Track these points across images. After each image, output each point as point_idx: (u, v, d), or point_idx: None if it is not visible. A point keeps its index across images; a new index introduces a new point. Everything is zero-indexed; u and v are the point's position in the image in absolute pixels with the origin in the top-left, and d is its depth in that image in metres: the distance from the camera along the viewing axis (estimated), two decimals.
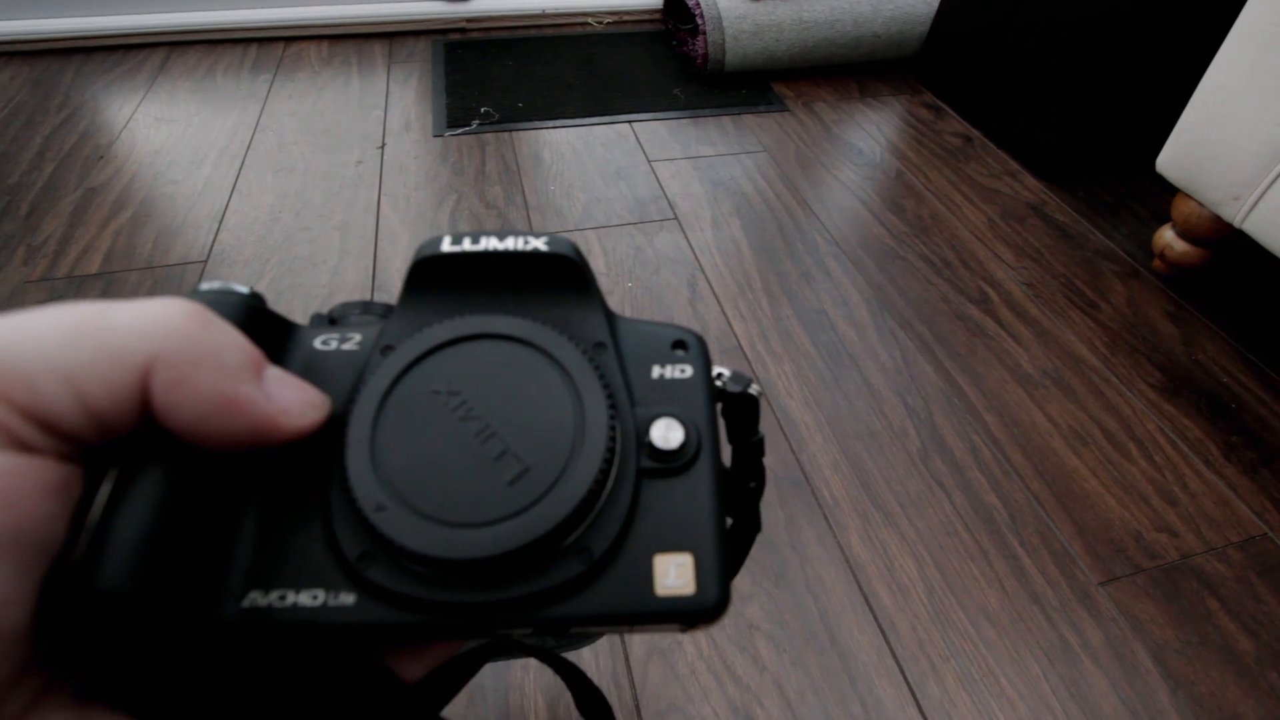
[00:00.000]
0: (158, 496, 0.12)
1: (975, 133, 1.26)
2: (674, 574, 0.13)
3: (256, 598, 0.13)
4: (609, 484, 0.14)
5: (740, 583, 0.61)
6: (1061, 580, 0.63)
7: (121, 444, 0.12)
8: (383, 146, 1.11)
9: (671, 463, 0.14)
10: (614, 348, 0.15)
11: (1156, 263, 0.98)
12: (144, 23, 1.32)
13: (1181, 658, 0.58)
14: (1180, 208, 0.92)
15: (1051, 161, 1.15)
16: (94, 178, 1.01)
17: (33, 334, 0.11)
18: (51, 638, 0.11)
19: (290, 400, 0.13)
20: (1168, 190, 1.04)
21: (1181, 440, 0.76)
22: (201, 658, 0.12)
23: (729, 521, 0.16)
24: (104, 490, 0.12)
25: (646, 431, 0.14)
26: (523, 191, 1.04)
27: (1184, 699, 0.56)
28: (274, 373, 0.13)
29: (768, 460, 0.70)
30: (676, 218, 1.01)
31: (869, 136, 1.23)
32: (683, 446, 0.14)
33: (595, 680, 0.54)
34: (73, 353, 0.11)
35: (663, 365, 0.16)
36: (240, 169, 1.04)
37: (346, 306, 0.17)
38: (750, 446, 0.19)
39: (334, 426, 0.14)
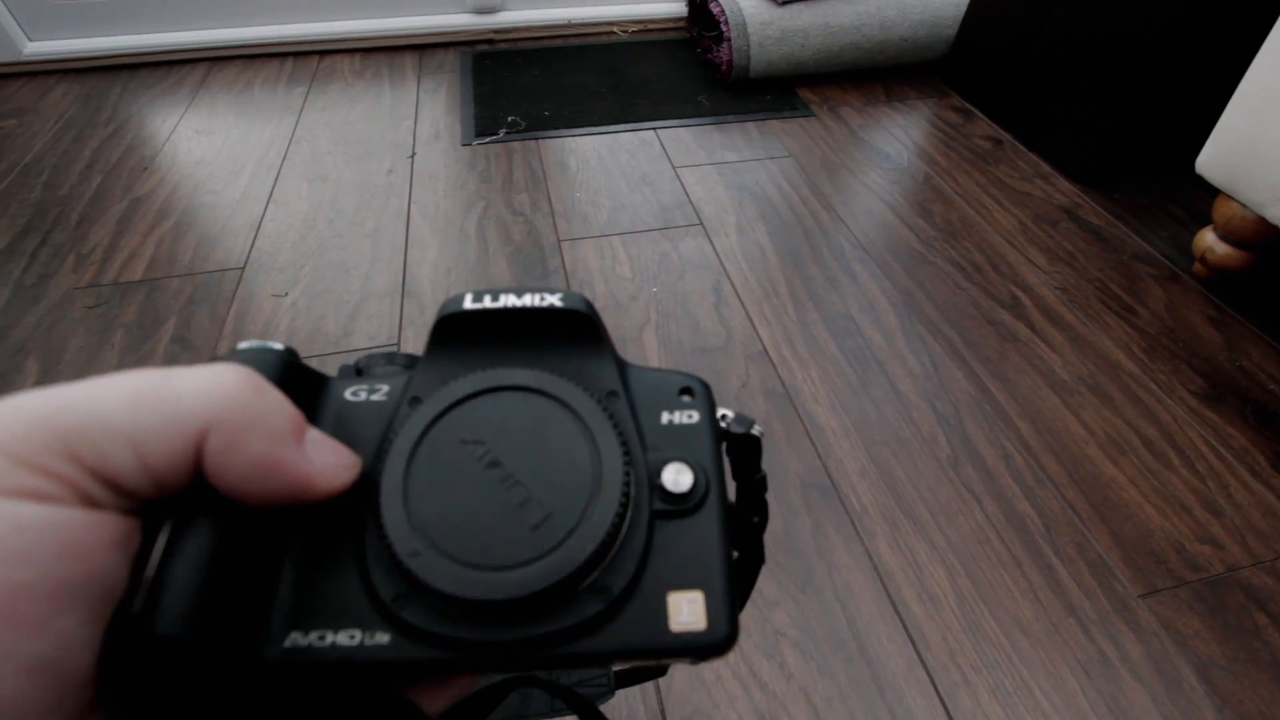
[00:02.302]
0: (208, 548, 0.13)
1: (1005, 135, 1.24)
2: (686, 611, 0.14)
3: (297, 638, 0.14)
4: (625, 526, 0.15)
5: (767, 589, 0.60)
6: (1099, 592, 0.61)
7: (175, 499, 0.13)
8: (413, 156, 1.13)
9: (682, 504, 0.15)
10: (625, 396, 0.16)
11: (1197, 266, 0.95)
12: (186, 40, 1.37)
13: (1228, 675, 0.56)
14: (1222, 210, 0.89)
15: (1084, 164, 1.13)
16: (139, 188, 1.05)
17: (101, 399, 0.12)
18: (112, 681, 0.12)
19: (326, 463, 0.14)
20: (1208, 192, 1.02)
21: (1225, 449, 0.74)
22: (246, 696, 0.13)
23: (735, 555, 0.16)
24: (160, 542, 0.13)
25: (658, 475, 0.15)
26: (549, 198, 1.05)
27: (1230, 717, 0.54)
28: (313, 435, 0.14)
29: (793, 465, 0.69)
30: (701, 223, 1.01)
31: (896, 141, 1.22)
32: (692, 489, 0.15)
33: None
34: (138, 418, 0.12)
35: (671, 411, 0.16)
36: (276, 178, 1.07)
37: (372, 359, 0.18)
38: (753, 484, 0.20)
39: (365, 477, 0.15)
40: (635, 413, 0.16)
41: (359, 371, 0.17)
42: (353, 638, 0.14)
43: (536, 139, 1.18)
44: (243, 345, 0.15)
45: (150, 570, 0.12)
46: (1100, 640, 0.58)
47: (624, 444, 0.15)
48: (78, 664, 0.11)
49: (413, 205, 1.03)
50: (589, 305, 0.17)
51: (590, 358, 0.17)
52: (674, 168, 1.12)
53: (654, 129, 1.22)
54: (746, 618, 0.58)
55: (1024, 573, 0.62)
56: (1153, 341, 0.86)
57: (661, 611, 0.14)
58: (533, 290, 0.17)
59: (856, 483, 0.69)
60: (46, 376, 0.76)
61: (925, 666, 0.56)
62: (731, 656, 0.56)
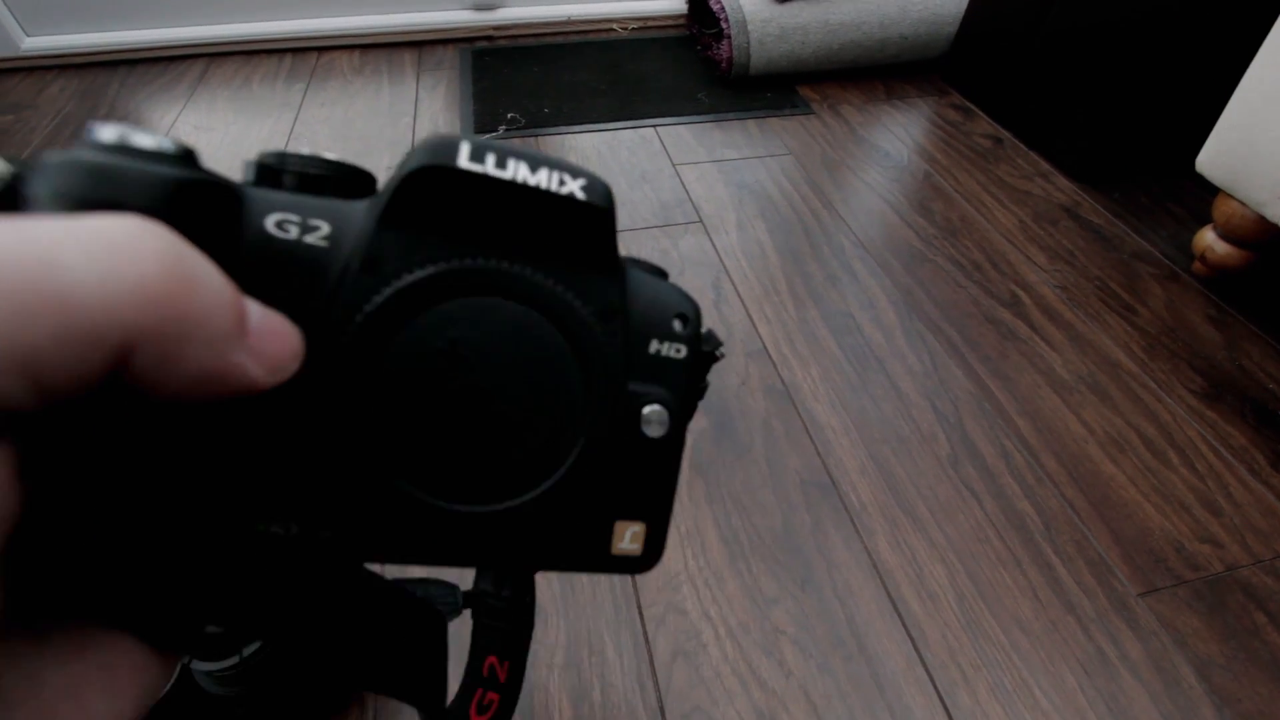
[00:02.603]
0: (133, 450, 0.11)
1: (1005, 134, 1.24)
2: (628, 539, 0.15)
3: (242, 527, 0.13)
4: (593, 462, 0.14)
5: (766, 586, 0.60)
6: (1098, 590, 0.61)
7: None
8: None
9: (648, 444, 0.15)
10: (623, 315, 0.15)
11: (1196, 265, 0.95)
12: (184, 35, 1.37)
13: (1227, 673, 0.56)
14: (1222, 208, 0.89)
15: (1085, 162, 1.13)
16: None
17: None
18: (21, 583, 0.11)
19: (274, 354, 0.11)
20: (1208, 191, 1.02)
21: (1225, 448, 0.74)
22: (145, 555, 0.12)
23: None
24: (71, 452, 0.11)
25: (637, 412, 0.15)
26: None
27: (1230, 716, 0.54)
28: (255, 319, 0.11)
29: (793, 463, 0.69)
30: (701, 220, 1.01)
31: (896, 139, 1.22)
32: (664, 435, 0.15)
33: (619, 682, 0.54)
34: (27, 334, 0.08)
35: (661, 341, 0.15)
36: None
37: (285, 158, 0.13)
38: (697, 392, 0.19)
39: (311, 353, 0.12)
40: (628, 336, 0.15)
41: (275, 175, 0.13)
42: (288, 529, 0.13)
43: (536, 136, 1.18)
44: (105, 137, 0.11)
45: (67, 485, 0.11)
46: (1099, 639, 0.58)
47: (608, 375, 0.14)
48: None
49: None
50: (611, 201, 0.14)
51: (596, 266, 0.14)
52: (674, 165, 1.12)
53: (654, 126, 1.21)
54: (746, 615, 0.58)
55: (1023, 571, 0.62)
56: (1152, 340, 0.86)
57: (605, 535, 0.15)
58: (549, 165, 0.13)
59: (856, 480, 0.69)
60: None
61: (924, 665, 0.56)
62: (730, 653, 0.56)
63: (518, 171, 0.13)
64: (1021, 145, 1.21)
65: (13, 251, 0.09)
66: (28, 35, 1.33)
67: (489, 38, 1.49)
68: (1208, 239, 0.92)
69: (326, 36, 1.42)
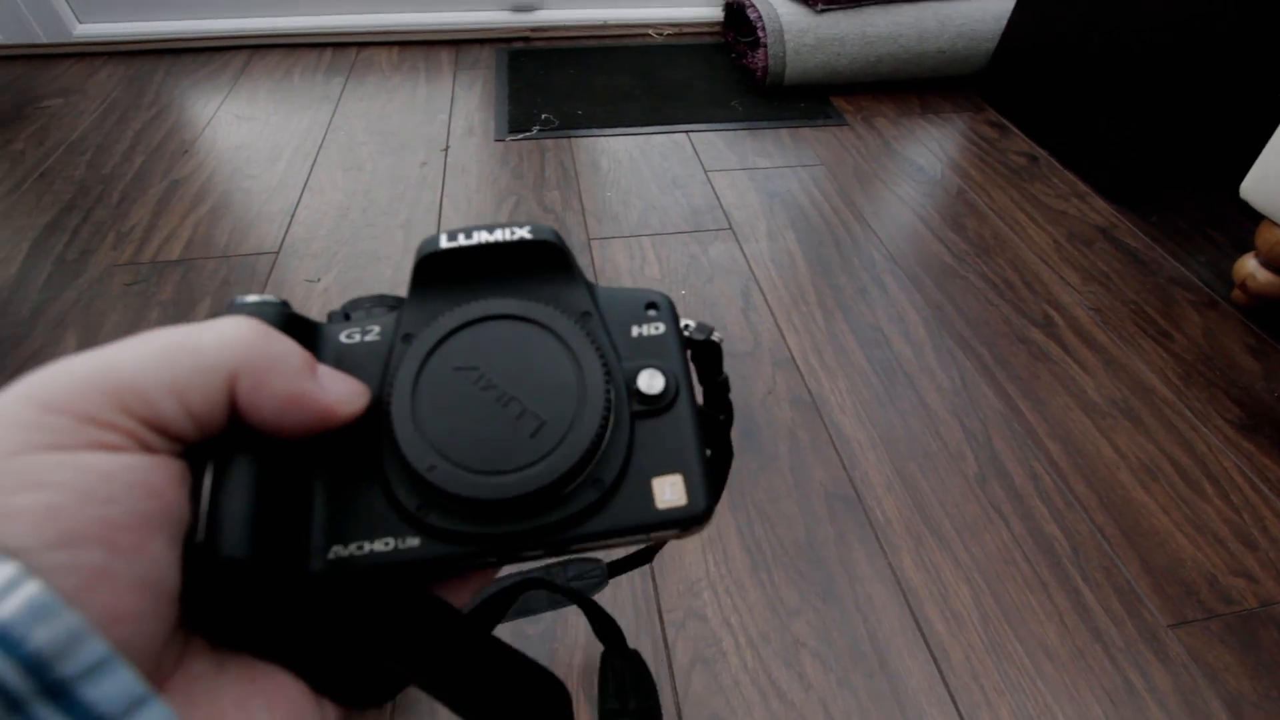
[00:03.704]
0: (252, 478, 0.14)
1: (1041, 152, 1.23)
2: (669, 491, 0.17)
3: (339, 550, 0.16)
4: (610, 428, 0.17)
5: (787, 597, 0.60)
6: (1127, 619, 0.60)
7: (213, 441, 0.15)
8: (446, 149, 1.14)
9: (656, 404, 0.18)
10: (598, 315, 0.18)
11: (1237, 293, 0.93)
12: (229, 27, 1.40)
13: (1259, 711, 0.55)
14: (1266, 236, 0.87)
15: (1123, 184, 1.11)
16: (178, 170, 1.07)
17: (140, 356, 0.13)
18: (190, 599, 0.14)
19: (341, 392, 0.16)
20: (1250, 217, 1.00)
21: (1261, 481, 0.72)
22: (298, 607, 0.15)
23: (708, 452, 0.19)
24: (207, 480, 0.14)
25: (634, 381, 0.18)
26: (580, 197, 1.05)
27: None
28: (324, 370, 0.16)
29: (818, 474, 0.69)
30: (731, 228, 1.01)
31: (930, 153, 1.21)
32: (664, 391, 0.18)
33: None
34: (175, 370, 0.13)
35: (640, 325, 0.19)
36: (313, 167, 1.09)
37: (356, 302, 0.19)
38: (717, 385, 0.22)
39: (373, 407, 0.17)
40: (608, 329, 0.18)
41: (347, 316, 0.19)
42: (387, 544, 0.16)
43: (569, 137, 1.18)
44: (246, 299, 0.17)
45: (204, 505, 0.14)
46: (1127, 668, 0.57)
47: (602, 357, 0.17)
48: (168, 583, 0.13)
49: (445, 198, 1.04)
50: (557, 235, 0.18)
51: (562, 284, 0.18)
52: (705, 171, 1.12)
53: (686, 132, 1.22)
54: (766, 625, 0.58)
55: (1050, 596, 0.61)
56: (1189, 367, 0.84)
57: (648, 494, 0.17)
58: (503, 226, 0.18)
59: (881, 495, 0.68)
60: (85, 350, 0.78)
61: (946, 685, 0.55)
62: (750, 662, 0.55)
63: (480, 236, 0.18)
64: (1057, 164, 1.20)
65: (169, 331, 0.14)
66: (80, 22, 1.36)
67: (525, 39, 1.51)
68: (1249, 267, 0.90)
69: (366, 32, 1.44)
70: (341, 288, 0.88)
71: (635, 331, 0.18)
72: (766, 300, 0.89)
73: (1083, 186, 1.15)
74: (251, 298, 0.17)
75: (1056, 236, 1.04)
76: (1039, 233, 1.04)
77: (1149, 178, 1.10)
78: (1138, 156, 1.08)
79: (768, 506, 0.66)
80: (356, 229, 0.97)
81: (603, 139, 1.19)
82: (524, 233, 0.18)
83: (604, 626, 0.28)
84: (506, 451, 0.16)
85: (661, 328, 0.19)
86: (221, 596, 0.14)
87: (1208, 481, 0.72)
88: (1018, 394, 0.79)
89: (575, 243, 0.97)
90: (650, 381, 0.18)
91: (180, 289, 0.86)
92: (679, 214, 1.03)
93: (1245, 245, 1.00)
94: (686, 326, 0.20)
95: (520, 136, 1.18)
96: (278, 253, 0.92)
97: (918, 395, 0.78)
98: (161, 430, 0.13)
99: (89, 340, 0.79)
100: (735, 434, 0.73)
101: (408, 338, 0.17)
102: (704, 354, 0.21)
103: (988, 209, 1.09)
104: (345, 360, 0.17)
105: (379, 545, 0.16)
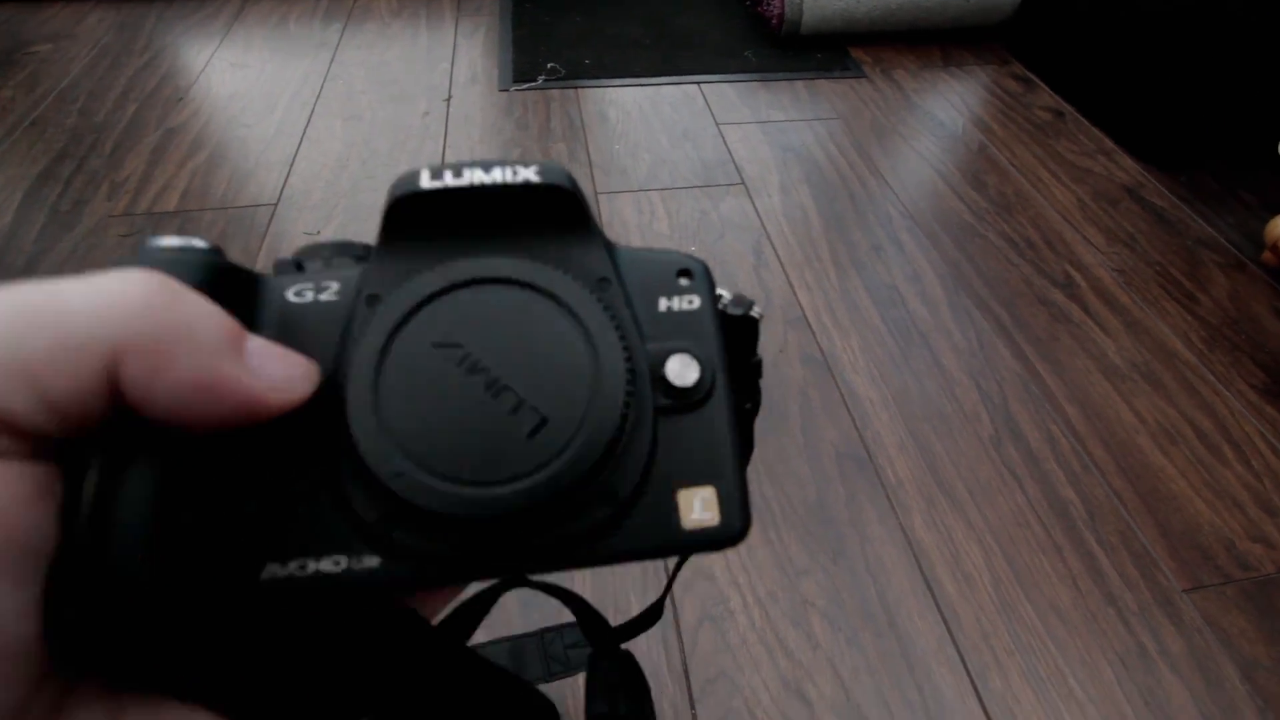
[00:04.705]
0: (152, 482, 0.11)
1: (1068, 108, 1.18)
2: (699, 507, 0.14)
3: (275, 570, 0.12)
4: (628, 427, 0.13)
5: (796, 557, 0.59)
6: (1141, 583, 0.59)
7: (100, 432, 0.11)
8: (449, 99, 1.10)
9: (688, 399, 0.14)
10: (618, 281, 0.15)
11: (1266, 255, 0.90)
12: None
13: (1273, 676, 0.54)
14: None
15: (1152, 142, 1.06)
16: (173, 118, 1.03)
17: None
18: (65, 640, 0.11)
19: (278, 374, 0.12)
20: None
21: None
22: (224, 630, 0.12)
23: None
24: (90, 481, 0.11)
25: (661, 369, 0.14)
26: (587, 149, 1.02)
27: (1273, 719, 0.52)
28: (256, 344, 0.12)
29: (829, 434, 0.67)
30: (744, 183, 0.97)
31: (951, 107, 1.16)
32: (698, 383, 0.14)
33: (644, 644, 0.53)
34: (26, 346, 0.10)
35: (669, 297, 0.15)
36: (311, 116, 1.05)
37: (312, 250, 0.15)
38: (749, 368, 0.18)
39: (326, 389, 0.13)
40: (630, 301, 0.15)
41: (299, 266, 0.15)
42: (338, 564, 0.13)
43: (576, 88, 1.14)
44: (160, 242, 0.13)
45: (84, 517, 0.11)
46: (1140, 632, 0.56)
47: (622, 337, 0.13)
48: (16, 636, 0.10)
49: (448, 149, 1.00)
50: (571, 179, 0.14)
51: (576, 241, 0.15)
52: (717, 124, 1.08)
53: (698, 83, 1.17)
54: (775, 585, 0.57)
55: (1064, 559, 0.60)
56: (1213, 331, 0.82)
57: (672, 510, 0.14)
58: (503, 163, 0.14)
59: (894, 456, 0.67)
60: None
61: (956, 645, 0.55)
62: (758, 621, 0.55)
63: (474, 176, 0.14)
64: (1084, 120, 1.15)
65: (30, 291, 0.10)
66: None
67: None
68: None
69: None
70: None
71: (664, 305, 0.15)
72: (779, 257, 0.87)
73: (1110, 144, 1.10)
74: (168, 240, 0.13)
75: (1081, 195, 1.00)
76: (1063, 191, 1.01)
77: (1181, 135, 1.05)
78: (1171, 113, 1.03)
79: (778, 466, 0.65)
80: (356, 180, 0.94)
81: (611, 89, 1.14)
82: (529, 174, 0.14)
83: (592, 626, 0.26)
84: (496, 455, 0.12)
85: (696, 301, 0.15)
86: (110, 633, 0.11)
87: (1228, 446, 0.70)
88: (1036, 356, 0.77)
89: None
90: (682, 371, 0.14)
91: None
92: (689, 168, 0.99)
93: (1277, 207, 0.96)
94: (720, 298, 0.16)
95: (525, 86, 1.13)
96: (276, 204, 0.90)
97: (933, 355, 0.76)
98: (8, 427, 0.10)
99: None
100: None
101: (373, 300, 0.14)
102: (740, 331, 0.17)
103: (1010, 165, 1.05)
104: (291, 325, 0.14)
105: (327, 565, 0.12)
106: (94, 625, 0.11)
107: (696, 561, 0.58)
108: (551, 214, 0.14)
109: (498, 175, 0.14)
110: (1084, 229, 0.95)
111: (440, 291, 0.13)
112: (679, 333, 0.15)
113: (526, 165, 0.14)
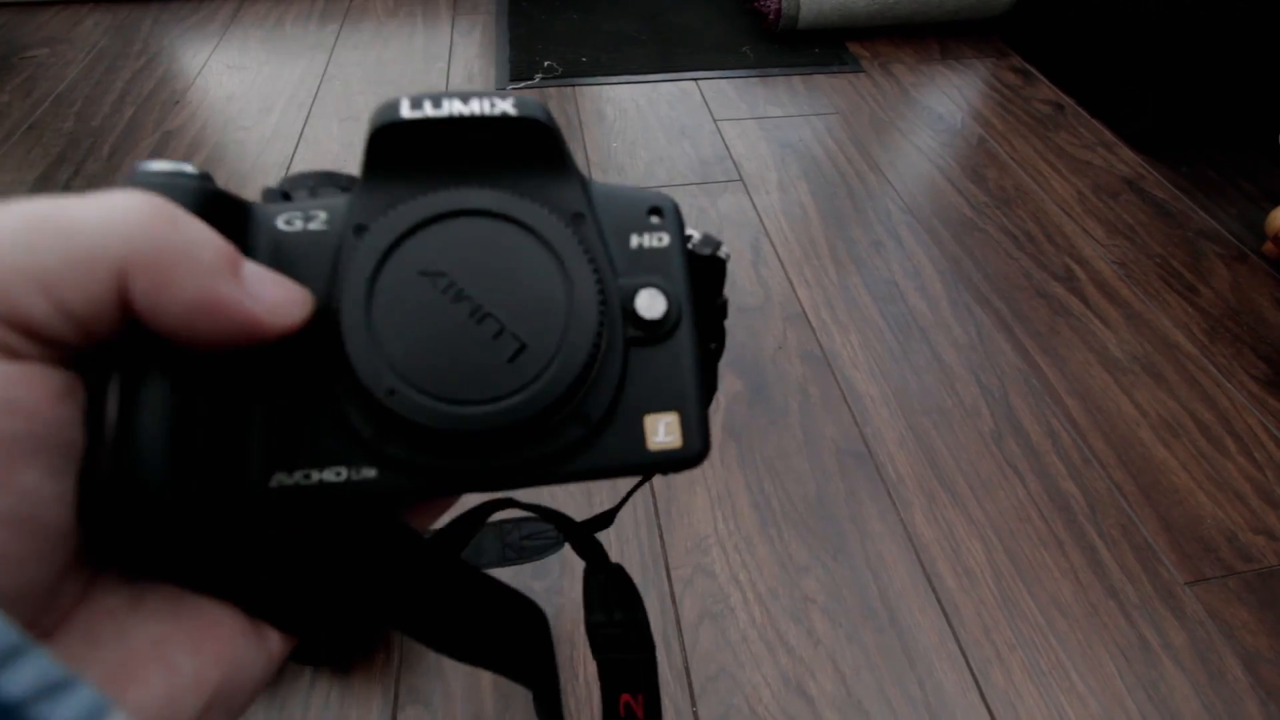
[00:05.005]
0: (166, 395, 0.12)
1: (1067, 100, 1.17)
2: (663, 431, 0.15)
3: (282, 478, 0.13)
4: (601, 355, 0.15)
5: (797, 553, 0.59)
6: (1143, 576, 0.59)
7: (116, 346, 0.12)
8: None
9: (656, 330, 0.15)
10: (593, 218, 0.15)
11: (1268, 246, 0.90)
12: None
13: (1275, 668, 0.54)
14: None
15: (1151, 133, 1.06)
16: (170, 121, 1.03)
17: None
18: (96, 536, 0.12)
19: (274, 298, 0.13)
20: None
21: None
22: (236, 539, 0.13)
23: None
24: (112, 393, 0.12)
25: (631, 302, 0.15)
26: (585, 148, 1.01)
27: (1275, 711, 0.52)
28: (251, 268, 0.13)
29: (829, 430, 0.67)
30: (742, 179, 0.97)
31: (950, 101, 1.16)
32: (665, 316, 0.15)
33: None
34: (41, 257, 0.10)
35: (640, 234, 0.16)
36: (307, 117, 1.05)
37: (298, 179, 0.16)
38: (715, 308, 0.19)
39: (320, 314, 0.14)
40: (603, 236, 0.16)
41: (285, 196, 0.16)
42: (339, 474, 0.14)
43: (573, 86, 1.14)
44: (152, 166, 0.13)
45: (110, 425, 0.12)
46: (1142, 625, 0.56)
47: (596, 270, 0.14)
48: (54, 518, 0.11)
49: None
50: (547, 113, 0.15)
51: (552, 175, 0.15)
52: (715, 121, 1.08)
53: (695, 80, 1.17)
54: (775, 581, 0.57)
55: (1065, 553, 0.60)
56: (1215, 323, 0.81)
57: (639, 433, 0.15)
58: (481, 95, 0.14)
59: (894, 451, 0.67)
60: None
61: (958, 641, 0.55)
62: (758, 618, 0.55)
63: (452, 107, 0.14)
64: (1084, 113, 1.14)
65: (40, 205, 0.11)
66: None
67: None
68: None
69: None
70: None
71: (635, 241, 0.16)
72: (777, 253, 0.86)
73: (1110, 136, 1.10)
74: (160, 165, 0.13)
75: (1081, 188, 1.00)
76: (1063, 184, 1.00)
77: (1182, 127, 1.05)
78: (1169, 104, 1.02)
79: (777, 463, 0.65)
80: None
81: (608, 87, 1.14)
82: (506, 106, 0.14)
83: (583, 544, 0.27)
84: (480, 377, 0.13)
85: (666, 239, 0.16)
86: (135, 533, 0.12)
87: (1230, 438, 0.70)
88: (1036, 350, 0.77)
89: None
90: (650, 304, 0.15)
91: None
92: (687, 165, 0.99)
93: (1279, 197, 0.96)
94: (690, 238, 0.17)
95: (522, 85, 1.13)
96: None
97: (933, 350, 0.76)
98: (27, 331, 0.10)
99: None
100: (745, 390, 0.71)
101: (360, 230, 0.14)
102: (707, 271, 0.18)
103: (1009, 159, 1.04)
104: (283, 252, 0.14)
105: (329, 475, 0.14)
106: (121, 526, 0.12)
107: (698, 559, 0.58)
108: (529, 147, 0.15)
109: (475, 107, 0.14)
110: (1084, 222, 0.94)
111: (425, 222, 0.14)
112: (649, 268, 0.16)
113: (504, 98, 0.15)
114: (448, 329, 0.14)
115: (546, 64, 1.18)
